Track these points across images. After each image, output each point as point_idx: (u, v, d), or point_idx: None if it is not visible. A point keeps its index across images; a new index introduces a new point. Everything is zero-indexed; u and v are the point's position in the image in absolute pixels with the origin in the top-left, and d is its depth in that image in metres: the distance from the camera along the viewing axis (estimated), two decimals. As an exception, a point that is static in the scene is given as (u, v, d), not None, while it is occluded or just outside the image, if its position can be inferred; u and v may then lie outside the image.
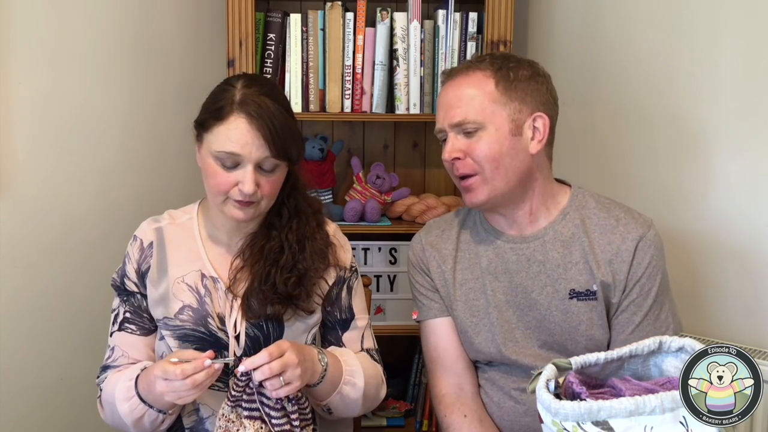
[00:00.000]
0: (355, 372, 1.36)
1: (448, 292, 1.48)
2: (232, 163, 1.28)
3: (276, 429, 1.23)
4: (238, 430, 1.24)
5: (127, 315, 1.40)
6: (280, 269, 1.35)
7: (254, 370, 1.19)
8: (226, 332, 1.36)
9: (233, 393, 1.24)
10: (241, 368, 1.20)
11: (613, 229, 1.39)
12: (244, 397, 1.24)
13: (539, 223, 1.43)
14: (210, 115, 1.30)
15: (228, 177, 1.29)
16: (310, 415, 1.29)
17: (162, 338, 1.39)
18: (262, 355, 1.19)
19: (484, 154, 1.36)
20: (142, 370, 1.32)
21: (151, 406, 1.29)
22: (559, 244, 1.40)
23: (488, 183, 1.37)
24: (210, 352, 1.22)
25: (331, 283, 1.43)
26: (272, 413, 1.23)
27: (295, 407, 1.24)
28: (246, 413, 1.24)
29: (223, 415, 1.25)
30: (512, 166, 1.37)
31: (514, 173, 1.37)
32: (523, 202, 1.42)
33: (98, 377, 1.41)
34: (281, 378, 1.19)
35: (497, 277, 1.43)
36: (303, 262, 1.37)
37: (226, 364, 1.28)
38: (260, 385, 1.22)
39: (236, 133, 1.27)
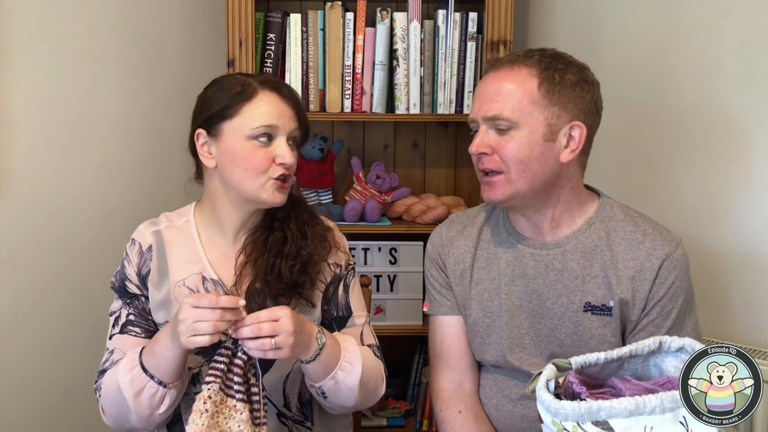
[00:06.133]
0: (354, 359, 1.35)
1: (463, 290, 1.46)
2: (268, 138, 1.31)
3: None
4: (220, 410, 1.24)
5: (131, 318, 1.38)
6: (285, 257, 1.36)
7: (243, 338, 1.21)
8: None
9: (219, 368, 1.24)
10: (231, 332, 1.21)
11: (639, 245, 1.35)
12: (234, 378, 1.24)
13: (562, 231, 1.39)
14: (233, 100, 1.31)
15: (266, 153, 1.31)
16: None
17: None
18: (252, 317, 1.21)
19: (513, 156, 1.31)
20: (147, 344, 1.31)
21: (152, 377, 1.27)
22: (580, 255, 1.37)
23: (511, 184, 1.33)
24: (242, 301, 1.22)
25: (328, 280, 1.43)
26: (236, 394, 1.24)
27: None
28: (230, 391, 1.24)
29: (209, 397, 1.23)
30: (539, 172, 1.32)
31: (540, 179, 1.33)
32: (545, 208, 1.38)
33: (96, 382, 1.38)
34: (273, 341, 1.19)
35: (513, 280, 1.41)
36: (306, 248, 1.38)
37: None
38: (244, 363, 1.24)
39: (270, 107, 1.31)
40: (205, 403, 1.22)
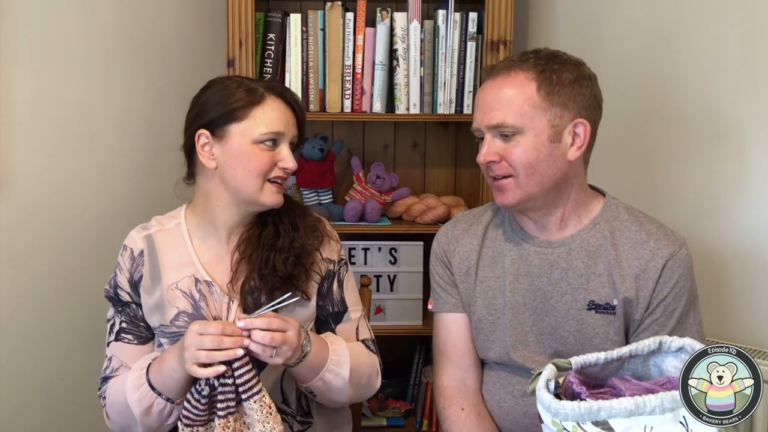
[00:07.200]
0: (342, 362, 1.35)
1: (468, 287, 1.47)
2: (273, 143, 1.33)
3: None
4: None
5: (123, 325, 1.40)
6: (278, 251, 1.37)
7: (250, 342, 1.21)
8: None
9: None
10: (240, 324, 1.20)
11: (643, 244, 1.36)
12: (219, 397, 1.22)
13: (568, 230, 1.41)
14: (241, 103, 1.32)
15: (270, 157, 1.33)
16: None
17: (160, 345, 1.38)
18: (264, 321, 1.20)
19: (521, 160, 1.32)
20: (153, 360, 1.32)
21: (160, 394, 1.28)
22: (585, 254, 1.38)
23: (521, 187, 1.34)
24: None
25: (322, 274, 1.43)
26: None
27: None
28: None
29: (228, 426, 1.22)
30: (548, 173, 1.34)
31: (549, 179, 1.34)
32: (555, 208, 1.39)
33: (99, 389, 1.40)
34: (274, 351, 1.21)
35: (518, 278, 1.42)
36: (298, 239, 1.40)
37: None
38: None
39: (277, 113, 1.34)
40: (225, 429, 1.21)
